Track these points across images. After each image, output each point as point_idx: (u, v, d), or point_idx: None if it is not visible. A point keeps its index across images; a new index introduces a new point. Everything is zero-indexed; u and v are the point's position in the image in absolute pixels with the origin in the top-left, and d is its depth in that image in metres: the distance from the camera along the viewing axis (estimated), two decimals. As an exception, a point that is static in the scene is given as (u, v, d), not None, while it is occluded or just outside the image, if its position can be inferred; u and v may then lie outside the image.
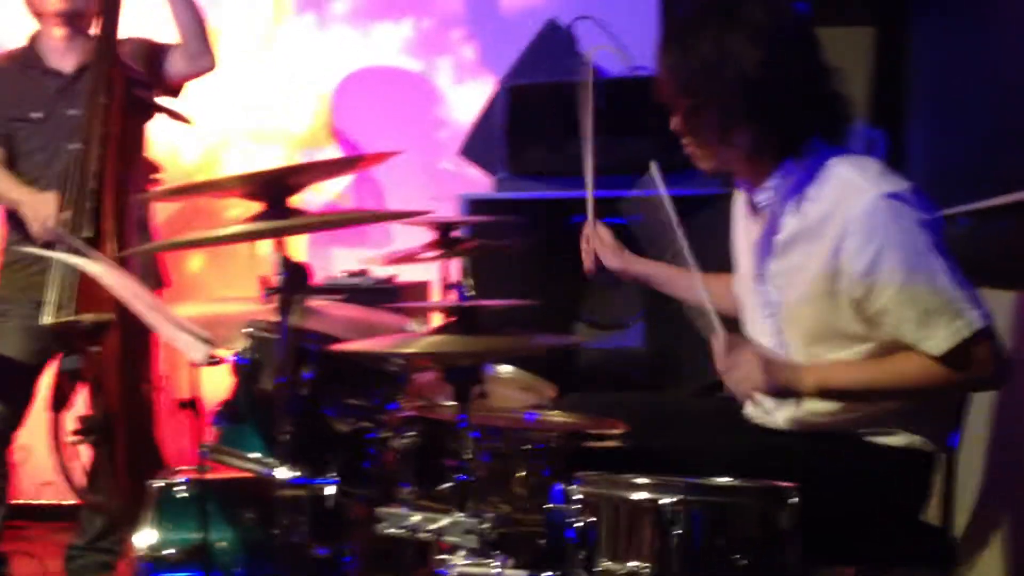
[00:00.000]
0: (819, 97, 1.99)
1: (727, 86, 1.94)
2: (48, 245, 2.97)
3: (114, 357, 2.88)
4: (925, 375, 1.91)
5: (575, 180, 3.28)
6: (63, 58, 3.21)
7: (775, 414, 2.10)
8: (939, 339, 1.88)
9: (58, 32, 3.20)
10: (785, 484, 1.64)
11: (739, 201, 2.20)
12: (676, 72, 2.00)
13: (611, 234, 2.47)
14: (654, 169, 2.20)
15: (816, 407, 2.02)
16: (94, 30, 3.11)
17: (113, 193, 2.95)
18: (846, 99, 2.03)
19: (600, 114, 3.27)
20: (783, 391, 1.95)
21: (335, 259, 4.03)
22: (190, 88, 3.38)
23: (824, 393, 1.96)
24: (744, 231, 2.18)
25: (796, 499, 1.62)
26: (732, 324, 2.29)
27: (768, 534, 1.61)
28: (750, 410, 2.17)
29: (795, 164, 1.99)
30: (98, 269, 2.26)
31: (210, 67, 3.29)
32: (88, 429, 2.81)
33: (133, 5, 3.15)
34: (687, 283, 2.38)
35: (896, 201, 1.89)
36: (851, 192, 1.92)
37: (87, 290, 2.84)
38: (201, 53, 3.24)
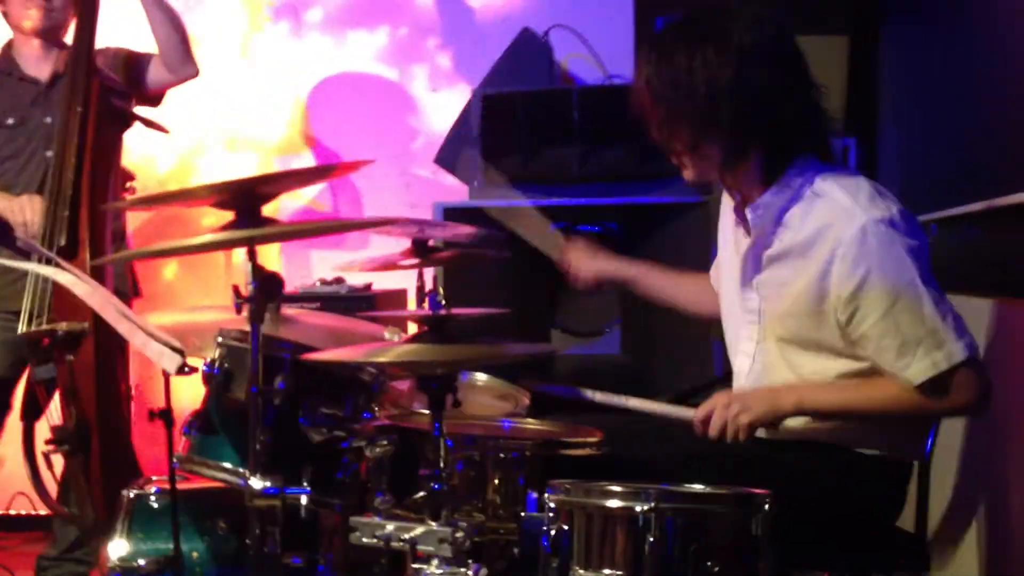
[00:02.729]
0: (797, 113, 1.99)
1: (696, 98, 1.94)
2: (20, 255, 2.95)
3: (89, 366, 2.86)
4: (904, 401, 1.93)
5: (550, 188, 3.30)
6: (39, 66, 3.20)
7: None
8: (918, 369, 1.89)
9: (34, 42, 3.19)
10: (759, 491, 1.64)
11: (726, 205, 2.21)
12: (649, 82, 2.01)
13: (584, 242, 2.47)
14: None
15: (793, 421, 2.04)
16: (70, 39, 3.11)
17: (88, 202, 2.93)
18: (827, 115, 2.04)
19: (576, 123, 3.29)
20: (768, 420, 1.96)
21: (311, 267, 4.02)
22: (167, 97, 3.37)
23: (804, 413, 1.98)
24: (732, 237, 2.19)
25: (770, 506, 1.62)
26: (709, 324, 2.32)
27: (742, 541, 1.61)
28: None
29: (786, 182, 1.99)
30: (69, 279, 2.24)
31: (193, 75, 3.28)
32: (62, 439, 2.79)
33: (114, 14, 3.14)
34: (663, 282, 2.40)
35: (887, 228, 1.89)
36: (842, 215, 1.92)
37: (62, 299, 2.82)
38: (181, 63, 3.22)
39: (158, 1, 3.16)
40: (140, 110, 3.25)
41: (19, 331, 2.86)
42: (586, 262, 2.46)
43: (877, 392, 1.95)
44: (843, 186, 1.96)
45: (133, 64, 3.27)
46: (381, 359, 1.90)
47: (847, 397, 1.97)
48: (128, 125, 3.21)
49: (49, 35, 3.18)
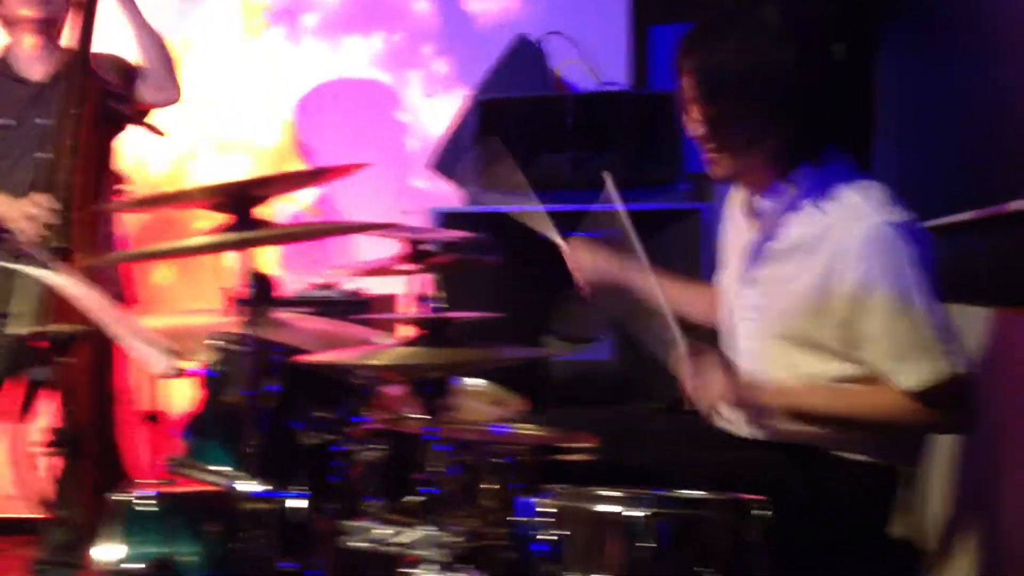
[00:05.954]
0: (840, 101, 1.98)
1: (758, 92, 1.92)
2: (14, 256, 2.94)
3: (85, 368, 2.86)
4: (893, 410, 1.92)
5: (545, 194, 3.30)
6: (34, 67, 3.19)
7: (743, 424, 2.10)
8: (914, 376, 1.88)
9: (30, 41, 3.18)
10: (753, 497, 1.63)
11: (735, 200, 2.19)
12: (698, 77, 1.97)
13: (584, 242, 2.44)
14: (609, 183, 2.19)
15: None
16: (67, 41, 3.10)
17: (83, 204, 2.93)
18: (866, 101, 2.03)
19: (570, 129, 3.29)
20: (747, 403, 1.94)
21: (303, 271, 4.01)
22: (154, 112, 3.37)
23: (787, 413, 1.96)
24: (736, 231, 2.18)
25: (764, 512, 1.62)
26: (708, 335, 2.31)
27: (736, 547, 1.61)
28: (721, 417, 2.18)
29: (806, 174, 1.99)
30: (61, 281, 2.23)
31: (174, 100, 3.30)
32: (61, 441, 2.78)
33: (105, 31, 3.14)
34: (669, 289, 2.37)
35: (895, 232, 1.88)
36: (852, 215, 1.92)
37: (59, 301, 2.81)
38: (165, 87, 3.24)
39: (145, 27, 3.18)
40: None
41: (13, 331, 2.85)
42: (587, 265, 2.39)
43: (868, 399, 1.94)
44: (856, 187, 1.96)
45: (128, 73, 3.27)
46: (376, 362, 1.89)
47: (836, 403, 1.96)
48: (122, 127, 3.22)
49: (47, 30, 3.17)
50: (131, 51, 3.25)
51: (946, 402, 1.90)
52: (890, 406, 1.91)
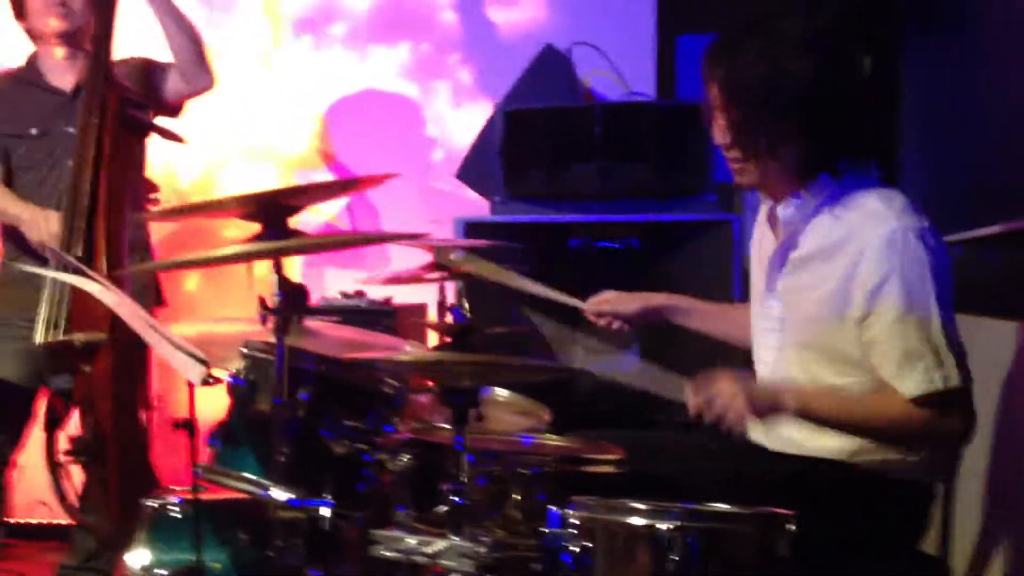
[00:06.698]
0: (860, 112, 2.00)
1: (780, 100, 1.94)
2: (44, 263, 2.96)
3: (105, 377, 2.87)
4: (899, 417, 1.92)
5: (571, 204, 3.31)
6: (63, 76, 3.21)
7: (774, 437, 2.10)
8: (914, 383, 1.89)
9: (59, 52, 3.21)
10: (782, 511, 1.63)
11: (761, 213, 2.21)
12: (726, 86, 2.00)
13: (609, 294, 2.44)
14: None
15: (813, 438, 2.02)
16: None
17: (106, 212, 2.94)
18: (878, 115, 2.05)
19: (598, 139, 3.30)
20: (767, 412, 1.93)
21: (331, 280, 4.03)
22: (187, 108, 3.39)
23: (803, 416, 1.95)
24: (762, 242, 2.19)
25: (793, 526, 1.62)
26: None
27: (765, 562, 1.61)
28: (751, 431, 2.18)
29: (826, 183, 2.00)
30: (95, 288, 2.25)
31: (208, 86, 3.27)
32: (79, 450, 2.80)
33: (134, 22, 3.16)
34: (710, 311, 2.38)
35: (916, 238, 1.90)
36: (874, 220, 1.93)
37: (80, 309, 2.83)
38: (197, 74, 3.22)
39: (172, 11, 3.17)
40: (160, 120, 3.26)
41: (36, 340, 2.87)
42: (625, 298, 2.41)
43: (877, 405, 1.94)
44: (878, 194, 1.98)
45: (151, 74, 3.26)
46: (405, 371, 1.90)
47: (848, 407, 1.95)
48: (146, 135, 3.22)
49: (72, 40, 3.19)
50: (159, 43, 3.23)
51: (945, 412, 1.90)
52: (896, 412, 1.91)
